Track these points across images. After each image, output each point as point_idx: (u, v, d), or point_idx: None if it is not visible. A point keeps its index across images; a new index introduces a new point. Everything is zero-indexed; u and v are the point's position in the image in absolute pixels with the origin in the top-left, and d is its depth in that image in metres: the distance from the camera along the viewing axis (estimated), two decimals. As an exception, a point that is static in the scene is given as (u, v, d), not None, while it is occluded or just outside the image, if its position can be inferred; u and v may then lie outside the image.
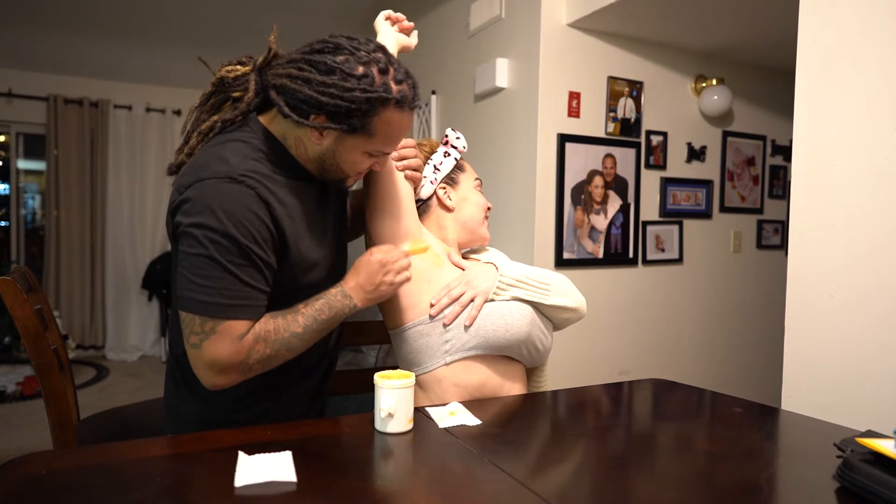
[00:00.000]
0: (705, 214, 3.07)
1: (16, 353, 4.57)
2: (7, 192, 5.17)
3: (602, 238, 2.71)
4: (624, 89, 2.73)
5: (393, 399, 1.04)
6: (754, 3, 2.35)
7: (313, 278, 1.19)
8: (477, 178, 1.50)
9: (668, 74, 2.89)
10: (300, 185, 1.17)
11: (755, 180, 3.26)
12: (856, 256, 1.34)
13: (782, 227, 3.35)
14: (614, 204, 2.74)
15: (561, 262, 2.58)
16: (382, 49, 1.11)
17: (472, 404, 1.22)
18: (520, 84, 2.61)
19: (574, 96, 2.58)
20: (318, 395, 1.32)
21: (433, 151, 1.47)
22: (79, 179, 5.07)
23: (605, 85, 2.68)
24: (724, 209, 3.14)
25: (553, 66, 2.52)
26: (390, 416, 1.04)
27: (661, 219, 2.92)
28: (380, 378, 1.05)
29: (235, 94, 1.18)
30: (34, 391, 3.94)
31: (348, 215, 1.42)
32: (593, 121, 2.66)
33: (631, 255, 2.81)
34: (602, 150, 2.68)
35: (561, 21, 2.54)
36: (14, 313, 1.31)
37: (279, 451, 0.93)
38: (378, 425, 1.06)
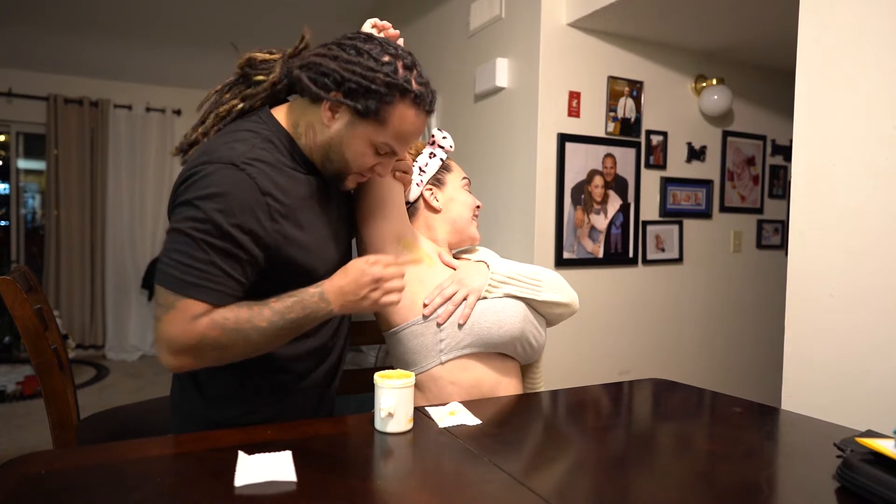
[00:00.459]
0: (705, 214, 3.07)
1: (16, 353, 4.57)
2: (7, 191, 5.17)
3: (602, 238, 2.71)
4: (624, 89, 2.73)
5: (393, 399, 1.04)
6: (754, 3, 2.35)
7: (315, 273, 1.18)
8: (465, 178, 1.50)
9: (668, 74, 2.89)
10: (306, 178, 1.17)
11: (755, 180, 3.26)
12: (855, 256, 1.34)
13: (782, 226, 3.35)
14: (614, 204, 2.74)
15: (561, 262, 2.58)
16: (411, 53, 1.14)
17: (471, 404, 1.22)
18: (520, 84, 2.61)
19: (574, 96, 2.58)
20: (325, 397, 1.31)
21: (418, 153, 1.46)
22: (79, 179, 5.07)
23: (605, 85, 2.68)
24: (724, 209, 3.14)
25: (553, 66, 2.52)
26: (390, 415, 1.04)
27: (661, 218, 2.92)
28: (380, 378, 1.05)
29: (258, 78, 1.19)
30: (34, 391, 3.94)
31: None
32: (593, 120, 2.66)
33: (631, 254, 2.81)
34: (602, 149, 2.68)
35: (561, 21, 2.53)
36: (14, 313, 1.31)
37: (279, 450, 0.93)
38: (378, 425, 1.06)
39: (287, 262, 1.12)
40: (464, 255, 1.50)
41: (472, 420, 1.12)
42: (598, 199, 2.69)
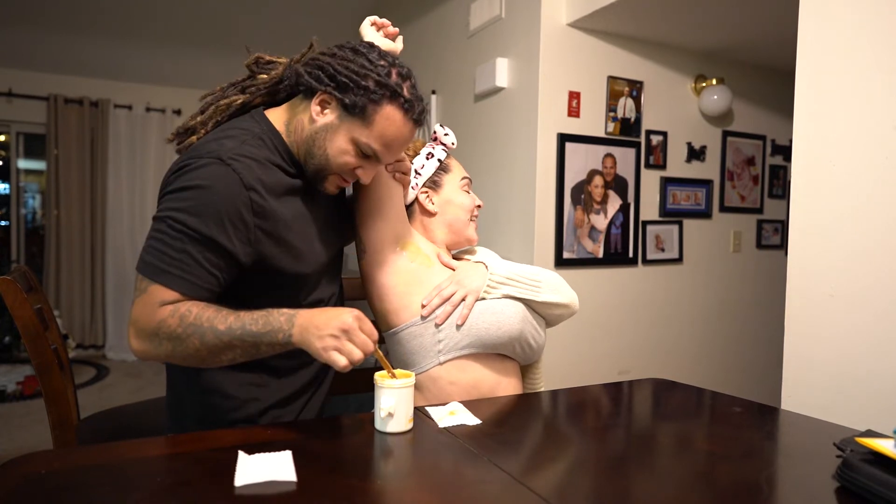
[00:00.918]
0: (705, 214, 3.07)
1: (16, 353, 4.57)
2: (7, 191, 5.17)
3: (602, 238, 2.71)
4: (624, 89, 2.73)
5: (393, 399, 1.04)
6: (754, 3, 2.35)
7: (302, 273, 1.18)
8: (464, 178, 1.47)
9: (668, 74, 2.89)
10: (293, 178, 1.17)
11: (755, 180, 3.26)
12: (856, 256, 1.34)
13: (782, 226, 3.35)
14: (614, 204, 2.75)
15: (561, 262, 2.58)
16: (409, 69, 1.16)
17: (471, 404, 1.22)
18: (520, 84, 2.61)
19: (574, 96, 2.59)
20: (316, 394, 1.31)
21: (416, 154, 1.45)
22: (79, 179, 5.07)
23: (605, 85, 2.68)
24: (723, 209, 3.14)
25: (553, 66, 2.52)
26: (390, 415, 1.04)
27: (660, 218, 2.92)
28: (380, 378, 1.05)
29: (262, 77, 1.22)
30: (34, 391, 3.94)
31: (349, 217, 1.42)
32: (593, 120, 2.66)
33: (631, 254, 2.81)
34: (602, 149, 2.68)
35: (561, 21, 2.54)
36: (14, 313, 1.31)
37: (279, 450, 0.93)
38: (378, 425, 1.06)
39: (271, 259, 1.12)
40: (463, 256, 1.50)
41: (471, 420, 1.12)
42: (598, 199, 2.69)
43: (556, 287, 1.37)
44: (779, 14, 2.42)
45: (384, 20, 1.36)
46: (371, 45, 1.16)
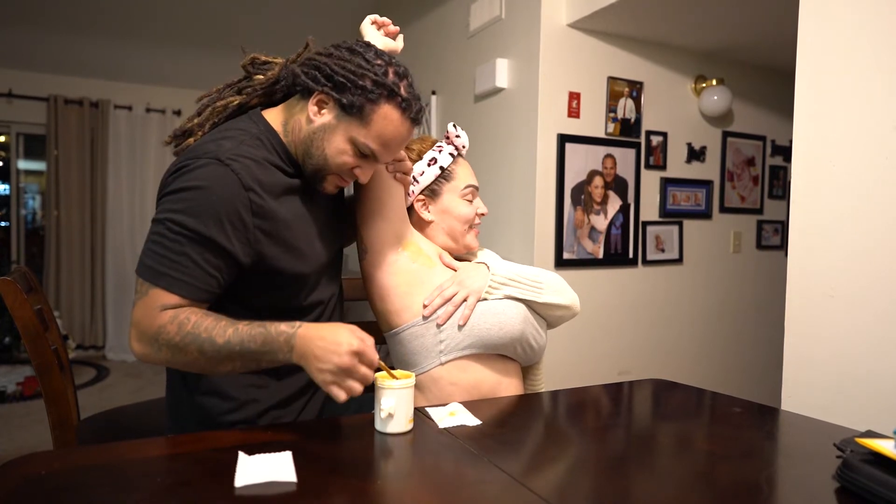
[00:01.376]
0: (705, 215, 3.07)
1: (16, 354, 4.57)
2: (7, 192, 5.17)
3: (602, 238, 2.71)
4: (624, 89, 2.73)
5: (393, 399, 1.04)
6: (754, 3, 2.35)
7: (303, 274, 1.18)
8: (469, 187, 1.42)
9: (667, 75, 2.89)
10: (292, 178, 1.17)
11: (755, 181, 3.26)
12: (856, 256, 1.34)
13: (782, 227, 3.35)
14: (614, 204, 2.75)
15: (561, 263, 2.58)
16: (407, 68, 1.15)
17: (471, 404, 1.22)
18: (520, 84, 2.61)
19: (574, 96, 2.59)
20: (314, 397, 1.31)
21: (419, 158, 1.41)
22: (79, 179, 5.07)
23: (605, 85, 2.68)
24: (723, 209, 3.14)
25: (553, 67, 2.52)
26: (390, 416, 1.04)
27: (660, 219, 2.92)
28: (380, 378, 1.05)
29: (258, 77, 1.22)
30: (34, 391, 3.94)
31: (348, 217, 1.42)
32: (593, 121, 2.66)
33: (631, 255, 2.81)
34: (602, 150, 2.68)
35: (561, 21, 2.54)
36: (14, 313, 1.31)
37: (279, 451, 0.93)
38: (378, 425, 1.06)
39: (271, 259, 1.12)
40: (465, 256, 1.50)
41: (472, 420, 1.12)
42: (598, 200, 2.69)
43: (558, 288, 1.36)
44: (779, 14, 2.42)
45: (385, 19, 1.36)
46: (368, 45, 1.15)
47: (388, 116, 1.10)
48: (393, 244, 1.32)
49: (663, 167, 2.90)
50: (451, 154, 1.42)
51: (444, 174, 1.41)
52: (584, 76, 2.62)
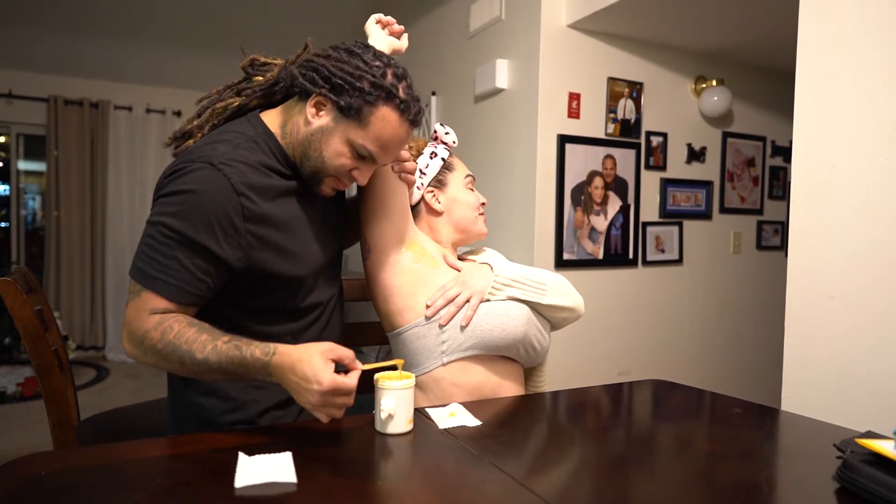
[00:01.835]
0: (705, 215, 3.07)
1: (16, 354, 4.57)
2: (7, 192, 5.17)
3: (602, 239, 2.71)
4: (624, 90, 2.73)
5: (393, 400, 1.04)
6: (754, 3, 2.35)
7: (299, 276, 1.18)
8: (468, 176, 1.46)
9: (668, 75, 2.89)
10: (288, 181, 1.17)
11: (755, 181, 3.26)
12: (856, 256, 1.34)
13: (782, 227, 3.35)
14: (614, 205, 2.75)
15: (561, 263, 2.58)
16: (406, 69, 1.15)
17: (471, 405, 1.22)
18: (520, 85, 2.61)
19: (574, 97, 2.59)
20: None
21: (419, 153, 1.43)
22: (79, 180, 5.07)
23: (605, 86, 2.68)
24: (723, 210, 3.14)
25: (553, 67, 2.52)
26: (390, 417, 1.04)
27: (660, 220, 2.92)
28: (380, 379, 1.05)
29: (257, 78, 1.22)
30: (34, 392, 3.94)
31: (348, 220, 1.42)
32: (593, 122, 2.66)
33: (631, 255, 2.81)
34: (602, 150, 2.68)
35: (561, 22, 2.54)
36: (14, 314, 1.31)
37: (279, 451, 0.93)
38: (378, 426, 1.06)
39: (265, 263, 1.12)
40: (469, 257, 1.50)
41: (472, 421, 1.12)
42: (598, 201, 2.69)
43: (562, 290, 1.36)
44: (779, 15, 2.42)
45: (389, 18, 1.36)
46: (366, 46, 1.15)
47: (386, 118, 1.10)
48: (396, 244, 1.32)
49: (663, 168, 2.90)
50: (445, 149, 1.46)
51: (446, 165, 1.44)
52: (584, 77, 2.62)
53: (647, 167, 2.85)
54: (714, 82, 2.93)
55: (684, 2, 2.33)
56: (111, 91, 5.18)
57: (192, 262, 1.04)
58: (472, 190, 1.46)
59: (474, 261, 1.44)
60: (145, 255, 1.05)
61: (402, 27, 1.36)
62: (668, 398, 1.41)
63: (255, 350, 1.01)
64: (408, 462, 1.00)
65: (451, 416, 1.13)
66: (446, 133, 1.44)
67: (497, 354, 1.32)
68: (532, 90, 2.52)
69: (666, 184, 2.91)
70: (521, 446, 1.04)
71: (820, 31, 1.42)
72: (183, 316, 1.06)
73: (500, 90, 2.71)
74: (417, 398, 1.28)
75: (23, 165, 5.21)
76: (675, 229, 2.96)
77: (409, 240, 1.34)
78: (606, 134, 2.70)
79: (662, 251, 2.92)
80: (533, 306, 1.33)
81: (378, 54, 1.13)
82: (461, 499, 0.84)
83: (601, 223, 2.71)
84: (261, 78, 1.22)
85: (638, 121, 2.78)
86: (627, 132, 2.76)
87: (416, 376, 1.28)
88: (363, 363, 1.03)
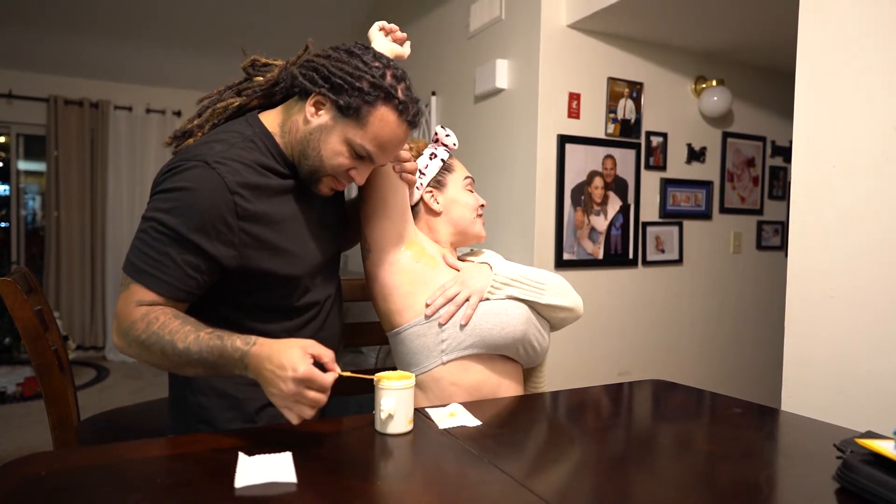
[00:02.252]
0: (705, 215, 3.07)
1: (16, 354, 4.57)
2: (7, 193, 5.17)
3: (602, 239, 2.71)
4: (624, 90, 2.73)
5: (393, 400, 1.04)
6: (754, 3, 2.35)
7: (294, 276, 1.18)
8: (468, 177, 1.47)
9: (668, 75, 2.89)
10: (285, 180, 1.18)
11: (755, 181, 3.26)
12: (856, 256, 1.34)
13: (782, 227, 3.35)
14: (614, 205, 2.75)
15: (561, 263, 2.58)
16: (405, 71, 1.16)
17: (471, 405, 1.22)
18: (520, 85, 2.61)
19: (574, 97, 2.59)
20: None
21: (419, 154, 1.44)
22: (79, 180, 5.07)
23: (605, 86, 2.69)
24: (723, 210, 3.14)
25: (553, 67, 2.52)
26: (390, 417, 1.04)
27: (660, 220, 2.92)
28: (380, 379, 1.05)
29: (258, 79, 1.23)
30: (34, 392, 3.94)
31: (347, 221, 1.42)
32: (593, 122, 2.66)
33: (631, 255, 2.81)
34: (602, 150, 2.68)
35: (561, 22, 2.54)
36: (14, 314, 1.31)
37: (279, 451, 0.93)
38: (378, 426, 1.06)
39: (259, 261, 1.12)
40: (468, 258, 1.50)
41: (472, 421, 1.12)
42: (598, 201, 2.69)
43: (561, 290, 1.37)
44: (779, 15, 2.42)
45: (392, 25, 1.37)
46: (366, 47, 1.16)
47: (384, 118, 1.10)
48: (396, 244, 1.32)
49: (663, 168, 2.90)
50: (445, 150, 1.46)
51: (446, 166, 1.45)
52: (584, 77, 2.62)
53: (647, 167, 2.85)
54: (714, 82, 2.93)
55: (684, 2, 2.33)
56: (111, 91, 5.18)
57: (182, 258, 1.05)
58: (471, 192, 1.47)
59: (473, 261, 1.44)
60: (138, 250, 1.06)
61: (404, 35, 1.36)
62: (668, 398, 1.41)
63: (237, 340, 0.99)
64: (408, 462, 1.00)
65: (451, 417, 1.13)
66: (447, 135, 1.45)
67: (497, 353, 1.32)
68: (532, 90, 2.52)
69: (666, 184, 2.91)
70: (521, 446, 1.04)
71: (820, 31, 1.42)
72: (170, 308, 1.06)
73: (500, 90, 2.71)
74: (417, 397, 1.28)
75: (23, 165, 5.21)
76: (675, 229, 2.96)
77: (409, 239, 1.34)
78: (606, 134, 2.70)
79: (662, 251, 2.92)
80: (532, 306, 1.33)
81: (378, 55, 1.14)
82: (461, 499, 0.84)
83: (601, 223, 2.71)
84: (261, 78, 1.23)
85: (638, 121, 2.78)
86: (627, 132, 2.76)
87: (416, 375, 1.28)
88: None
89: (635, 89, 2.76)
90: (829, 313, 1.39)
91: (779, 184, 3.35)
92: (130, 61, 4.88)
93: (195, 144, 1.14)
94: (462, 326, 1.27)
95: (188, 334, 1.01)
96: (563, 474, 0.96)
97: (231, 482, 0.83)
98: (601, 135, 2.69)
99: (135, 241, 1.07)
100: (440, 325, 1.28)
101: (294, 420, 0.95)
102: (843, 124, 1.38)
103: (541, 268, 1.63)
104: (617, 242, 2.77)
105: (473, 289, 1.29)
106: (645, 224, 2.86)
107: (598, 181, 2.68)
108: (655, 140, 2.86)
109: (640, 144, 2.81)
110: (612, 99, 2.70)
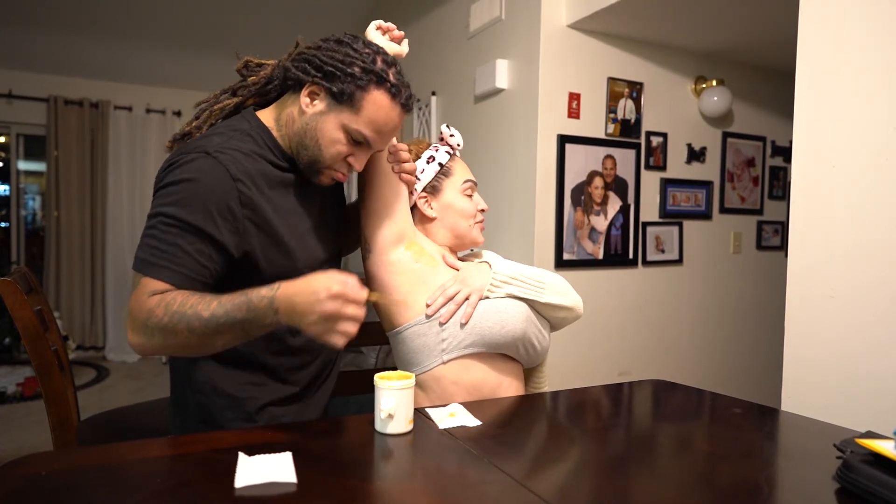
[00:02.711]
0: (705, 215, 3.07)
1: (16, 354, 4.57)
2: (7, 193, 5.17)
3: (602, 239, 2.71)
4: (624, 90, 2.73)
5: (393, 400, 1.04)
6: (754, 3, 2.35)
7: (294, 267, 1.18)
8: (467, 181, 1.43)
9: (668, 75, 2.89)
10: (284, 173, 1.18)
11: (755, 181, 3.26)
12: (856, 256, 1.34)
13: (782, 228, 3.35)
14: (614, 205, 2.75)
15: (561, 263, 2.58)
16: (395, 58, 1.18)
17: (471, 405, 1.22)
18: (520, 85, 2.61)
19: (574, 97, 2.59)
20: (315, 398, 1.31)
21: (418, 156, 1.43)
22: (79, 180, 5.07)
23: (605, 86, 2.69)
24: (723, 210, 3.14)
25: (553, 67, 2.52)
26: (390, 417, 1.04)
27: (660, 220, 2.92)
28: (380, 379, 1.05)
29: (252, 79, 1.24)
30: (34, 392, 3.94)
31: (348, 216, 1.42)
32: (593, 122, 2.66)
33: (631, 255, 2.81)
34: (602, 150, 2.68)
35: (561, 22, 2.54)
36: (14, 314, 1.31)
37: (279, 451, 0.93)
38: (378, 426, 1.06)
39: (260, 250, 1.13)
40: (468, 257, 1.50)
41: (472, 421, 1.12)
42: (598, 201, 2.69)
43: (561, 289, 1.37)
44: (779, 15, 2.42)
45: (389, 24, 1.37)
46: (355, 36, 1.17)
47: (378, 102, 1.12)
48: (396, 244, 1.32)
49: (663, 168, 2.90)
50: (447, 152, 1.44)
51: (444, 170, 1.43)
52: (584, 77, 2.62)
53: (647, 167, 2.85)
54: (714, 82, 2.93)
55: (684, 2, 2.33)
56: (111, 91, 5.18)
57: (193, 247, 1.05)
58: (469, 196, 1.44)
59: (473, 261, 1.44)
60: (147, 246, 1.05)
61: (401, 33, 1.37)
62: (668, 398, 1.41)
63: (261, 290, 1.00)
64: (408, 462, 1.00)
65: (452, 417, 1.13)
66: (451, 135, 1.44)
67: (497, 352, 1.32)
68: (532, 90, 2.52)
69: (666, 184, 2.91)
70: (521, 446, 1.04)
71: (820, 31, 1.42)
72: (185, 291, 1.05)
73: (500, 90, 2.71)
74: (418, 397, 1.28)
75: (23, 165, 5.21)
76: (675, 229, 2.96)
77: (409, 239, 1.34)
78: (606, 134, 2.70)
79: (662, 251, 2.92)
80: (531, 304, 1.33)
81: (367, 43, 1.16)
82: (461, 499, 0.84)
83: (601, 223, 2.71)
84: (255, 78, 1.24)
85: (638, 121, 2.78)
86: (627, 132, 2.76)
87: (417, 375, 1.29)
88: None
89: (635, 89, 2.76)
90: (829, 313, 1.39)
91: (779, 184, 3.35)
92: (130, 61, 4.88)
93: (193, 140, 1.15)
94: (462, 325, 1.27)
95: (210, 302, 1.01)
96: (564, 474, 0.96)
97: (231, 482, 0.83)
98: (601, 135, 2.69)
99: (143, 238, 1.07)
100: (441, 325, 1.28)
101: (340, 341, 0.96)
102: (843, 124, 1.38)
103: (541, 268, 1.63)
104: (617, 242, 2.77)
105: (473, 287, 1.30)
106: (645, 224, 2.86)
107: (598, 181, 2.68)
108: (655, 140, 2.86)
109: (640, 144, 2.81)
110: (612, 99, 2.70)
